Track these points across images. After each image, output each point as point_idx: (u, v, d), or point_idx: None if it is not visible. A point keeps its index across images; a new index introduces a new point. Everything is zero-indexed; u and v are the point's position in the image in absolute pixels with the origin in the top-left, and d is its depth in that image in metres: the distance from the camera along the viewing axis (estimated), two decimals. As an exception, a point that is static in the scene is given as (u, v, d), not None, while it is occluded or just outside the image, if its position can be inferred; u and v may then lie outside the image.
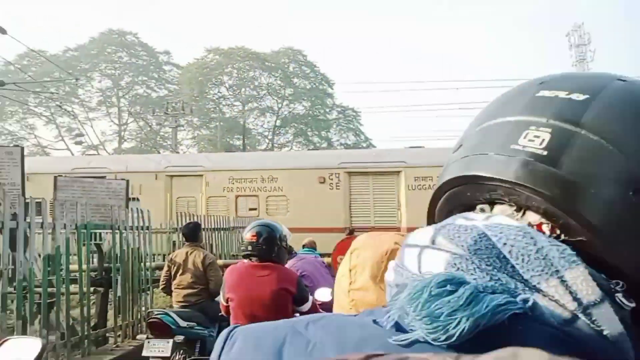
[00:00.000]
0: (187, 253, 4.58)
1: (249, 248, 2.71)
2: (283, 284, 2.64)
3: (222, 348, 0.45)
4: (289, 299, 2.66)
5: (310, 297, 2.85)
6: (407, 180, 11.61)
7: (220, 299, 2.84)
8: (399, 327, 0.37)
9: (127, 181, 7.52)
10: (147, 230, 5.66)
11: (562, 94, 0.45)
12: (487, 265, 0.38)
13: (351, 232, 9.59)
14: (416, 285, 0.36)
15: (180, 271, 4.51)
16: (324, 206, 11.43)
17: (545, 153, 0.41)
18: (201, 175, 12.41)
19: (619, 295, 0.37)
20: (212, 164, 12.68)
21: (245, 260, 2.95)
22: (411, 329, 0.36)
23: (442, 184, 0.48)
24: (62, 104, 26.54)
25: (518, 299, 0.35)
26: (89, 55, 30.57)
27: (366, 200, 11.92)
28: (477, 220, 0.42)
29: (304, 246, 7.61)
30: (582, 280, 0.36)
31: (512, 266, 0.38)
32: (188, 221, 5.73)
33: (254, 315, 2.60)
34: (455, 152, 0.48)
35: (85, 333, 4.47)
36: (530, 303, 0.35)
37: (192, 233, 4.77)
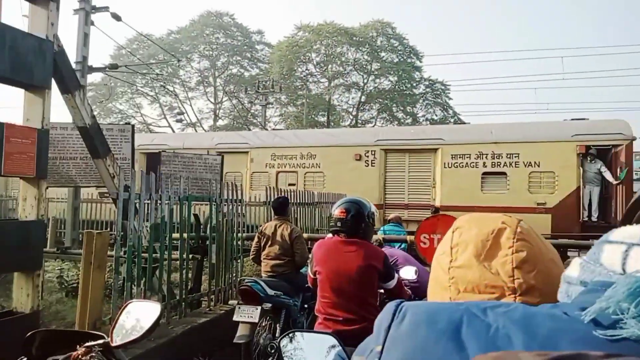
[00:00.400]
0: (275, 226, 4.80)
1: (338, 224, 2.78)
2: (370, 260, 2.69)
3: (392, 321, 0.45)
4: (374, 275, 2.71)
5: (396, 275, 2.88)
6: (444, 158, 11.31)
7: (308, 271, 2.96)
8: (596, 323, 0.35)
9: (222, 156, 8.01)
10: (239, 203, 6.01)
11: None
12: None
13: (436, 211, 9.36)
14: (635, 280, 0.33)
15: (269, 243, 4.75)
16: (358, 182, 11.49)
17: None
18: (247, 152, 13.02)
19: None
20: (257, 141, 13.19)
21: (329, 235, 3.04)
22: (620, 327, 0.33)
23: None
24: (165, 84, 28.73)
25: None
26: (189, 37, 32.46)
27: (401, 178, 11.89)
28: None
29: (389, 221, 7.60)
30: None
31: None
32: (277, 196, 5.99)
33: (341, 289, 2.69)
34: None
35: (183, 296, 4.89)
36: None
37: (281, 207, 4.98)
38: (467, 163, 11.14)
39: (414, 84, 29.25)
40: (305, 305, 4.65)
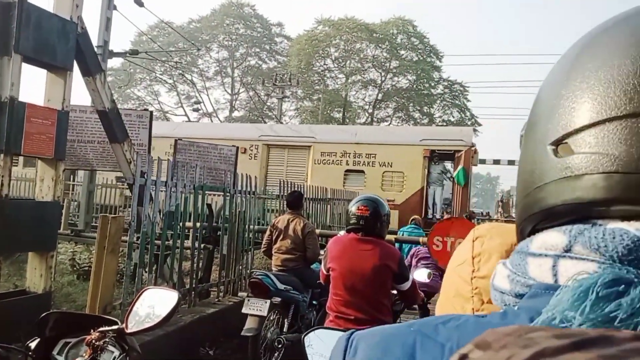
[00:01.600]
0: (288, 220, 4.77)
1: (361, 222, 2.73)
2: (385, 260, 2.65)
3: (344, 357, 0.44)
4: (389, 275, 2.66)
5: (411, 277, 2.83)
6: (315, 155, 12.28)
7: (321, 267, 2.93)
8: None
9: (237, 147, 8.01)
10: (252, 195, 5.99)
11: None
12: None
13: (466, 215, 9.45)
14: (578, 286, 0.33)
15: (281, 236, 4.73)
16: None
17: None
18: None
19: None
20: (160, 130, 13.34)
21: (341, 233, 2.99)
22: None
23: (557, 201, 0.40)
24: (183, 72, 28.88)
25: None
26: (210, 26, 32.57)
27: (280, 171, 12.54)
28: (621, 224, 0.36)
29: (410, 222, 7.59)
30: None
31: None
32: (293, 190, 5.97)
33: (354, 288, 2.65)
34: (564, 159, 0.39)
35: (193, 286, 4.89)
36: None
37: (295, 201, 4.95)
38: (333, 160, 12.24)
39: (433, 84, 28.97)
40: (314, 302, 4.62)
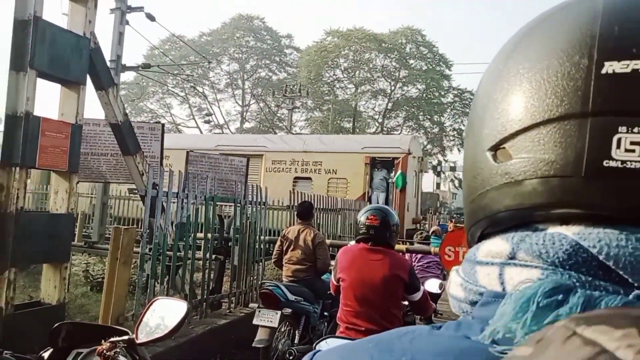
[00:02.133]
0: (299, 230, 4.77)
1: (371, 232, 2.73)
2: (395, 270, 2.63)
3: None
4: (400, 285, 2.64)
5: (422, 287, 2.81)
6: (266, 163, 12.76)
7: (331, 277, 2.92)
8: (496, 342, 0.34)
9: (248, 158, 8.06)
10: (263, 206, 6.01)
11: None
12: (587, 276, 0.33)
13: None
14: (520, 296, 0.33)
15: (292, 247, 4.73)
16: None
17: None
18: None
19: None
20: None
21: (351, 243, 2.98)
22: (517, 343, 0.32)
23: (495, 209, 0.40)
24: (195, 85, 29.23)
25: (631, 295, 0.31)
26: (220, 39, 32.99)
27: None
28: (560, 228, 0.36)
29: (432, 233, 7.59)
30: None
31: (618, 275, 0.32)
32: (302, 200, 5.98)
33: (365, 298, 2.63)
34: (503, 165, 0.38)
35: (204, 297, 4.90)
36: None
37: (305, 212, 4.95)
38: (283, 168, 12.79)
39: (442, 93, 28.92)
40: (325, 313, 4.60)
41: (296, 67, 32.49)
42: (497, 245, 0.39)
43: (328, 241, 5.52)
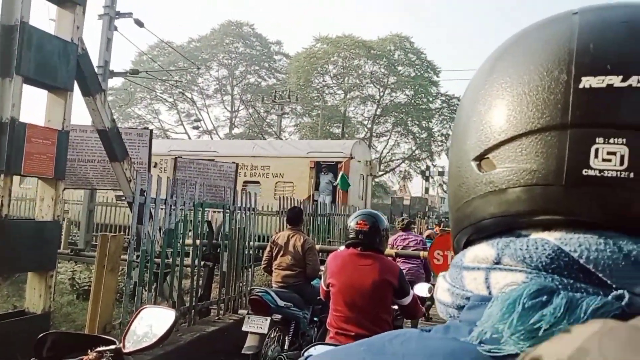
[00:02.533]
0: (288, 236, 4.76)
1: (360, 237, 2.74)
2: (385, 275, 2.63)
3: None
4: (389, 290, 2.65)
5: (412, 292, 2.81)
6: None
7: (321, 283, 2.91)
8: (484, 343, 0.35)
9: (237, 164, 8.03)
10: (252, 212, 5.99)
11: (616, 81, 0.35)
12: (569, 279, 0.35)
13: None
14: (506, 298, 0.34)
15: (281, 253, 4.71)
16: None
17: (631, 175, 0.34)
18: None
19: None
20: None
21: (341, 248, 2.99)
22: (504, 343, 0.34)
23: (479, 217, 0.41)
24: (184, 91, 29.11)
25: (610, 296, 0.32)
26: (209, 45, 32.92)
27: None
28: (543, 233, 0.37)
29: (427, 236, 7.62)
30: None
31: (598, 277, 0.34)
32: (292, 205, 5.97)
33: (354, 303, 2.64)
34: (487, 174, 0.40)
35: (193, 304, 4.85)
36: (626, 299, 0.32)
37: (295, 217, 4.94)
38: None
39: (430, 99, 29.18)
40: (315, 318, 4.58)
41: (285, 73, 32.54)
42: (482, 251, 0.40)
43: (317, 246, 5.51)
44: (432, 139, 29.28)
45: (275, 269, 4.73)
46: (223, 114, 34.42)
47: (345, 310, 2.66)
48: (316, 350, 1.06)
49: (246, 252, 5.79)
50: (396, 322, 3.22)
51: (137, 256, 4.20)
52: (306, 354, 1.06)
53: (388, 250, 4.55)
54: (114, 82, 26.00)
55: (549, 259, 0.36)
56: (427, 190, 31.01)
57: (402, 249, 5.91)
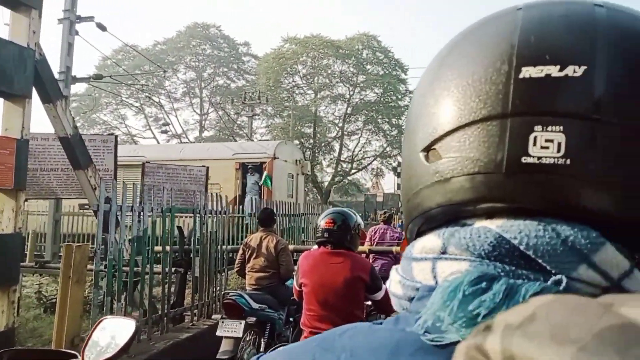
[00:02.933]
0: (261, 238, 4.73)
1: (325, 234, 2.75)
2: (356, 272, 2.65)
3: None
4: (361, 286, 2.67)
5: (384, 286, 2.85)
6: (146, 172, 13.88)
7: (294, 283, 2.91)
8: (428, 332, 0.36)
9: (207, 168, 7.94)
10: (224, 215, 5.93)
11: (554, 71, 0.36)
12: (510, 266, 0.35)
13: None
14: (448, 286, 0.35)
15: (254, 255, 4.67)
16: None
17: (568, 162, 0.35)
18: None
19: None
20: None
21: (314, 247, 3.00)
22: (445, 331, 0.34)
23: (427, 206, 0.42)
24: (150, 95, 28.53)
25: (549, 281, 0.33)
26: (176, 48, 32.35)
27: None
28: (486, 222, 0.38)
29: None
30: (610, 258, 0.34)
31: (538, 263, 0.35)
32: (264, 207, 5.94)
33: (327, 302, 2.65)
34: (434, 164, 0.41)
35: (165, 311, 4.76)
36: (564, 284, 0.33)
37: (267, 218, 4.92)
38: None
39: (399, 96, 29.53)
40: (291, 319, 4.58)
41: (255, 75, 32.30)
42: (430, 241, 0.41)
43: (291, 247, 5.51)
44: (403, 135, 29.70)
45: (248, 271, 4.70)
46: (192, 117, 34.05)
47: (318, 309, 2.67)
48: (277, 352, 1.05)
49: (218, 256, 5.72)
50: (370, 317, 3.25)
51: (105, 266, 4.10)
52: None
53: (361, 248, 4.59)
54: (77, 88, 25.32)
55: (491, 247, 0.36)
56: (399, 186, 31.39)
57: (379, 240, 5.99)
